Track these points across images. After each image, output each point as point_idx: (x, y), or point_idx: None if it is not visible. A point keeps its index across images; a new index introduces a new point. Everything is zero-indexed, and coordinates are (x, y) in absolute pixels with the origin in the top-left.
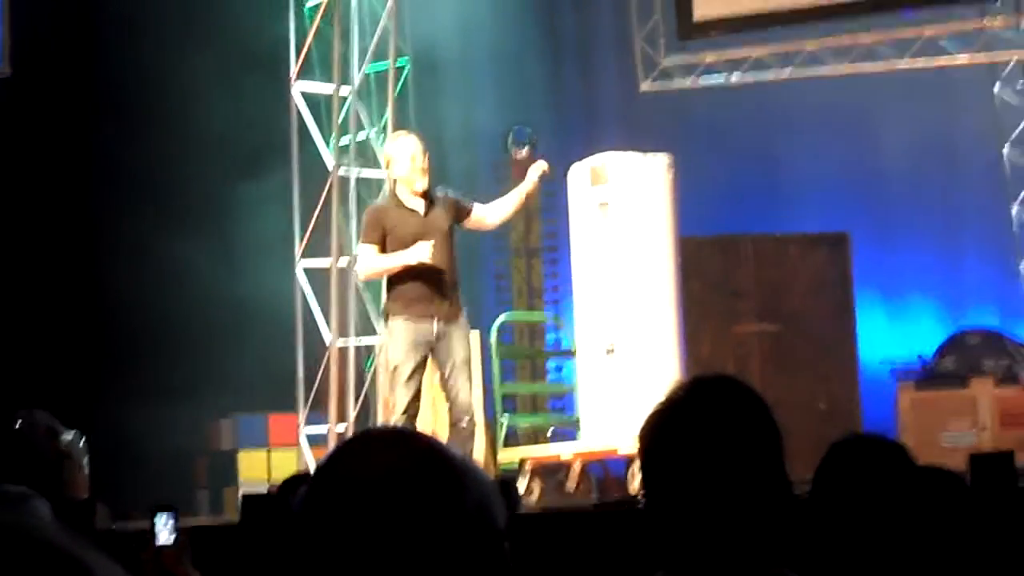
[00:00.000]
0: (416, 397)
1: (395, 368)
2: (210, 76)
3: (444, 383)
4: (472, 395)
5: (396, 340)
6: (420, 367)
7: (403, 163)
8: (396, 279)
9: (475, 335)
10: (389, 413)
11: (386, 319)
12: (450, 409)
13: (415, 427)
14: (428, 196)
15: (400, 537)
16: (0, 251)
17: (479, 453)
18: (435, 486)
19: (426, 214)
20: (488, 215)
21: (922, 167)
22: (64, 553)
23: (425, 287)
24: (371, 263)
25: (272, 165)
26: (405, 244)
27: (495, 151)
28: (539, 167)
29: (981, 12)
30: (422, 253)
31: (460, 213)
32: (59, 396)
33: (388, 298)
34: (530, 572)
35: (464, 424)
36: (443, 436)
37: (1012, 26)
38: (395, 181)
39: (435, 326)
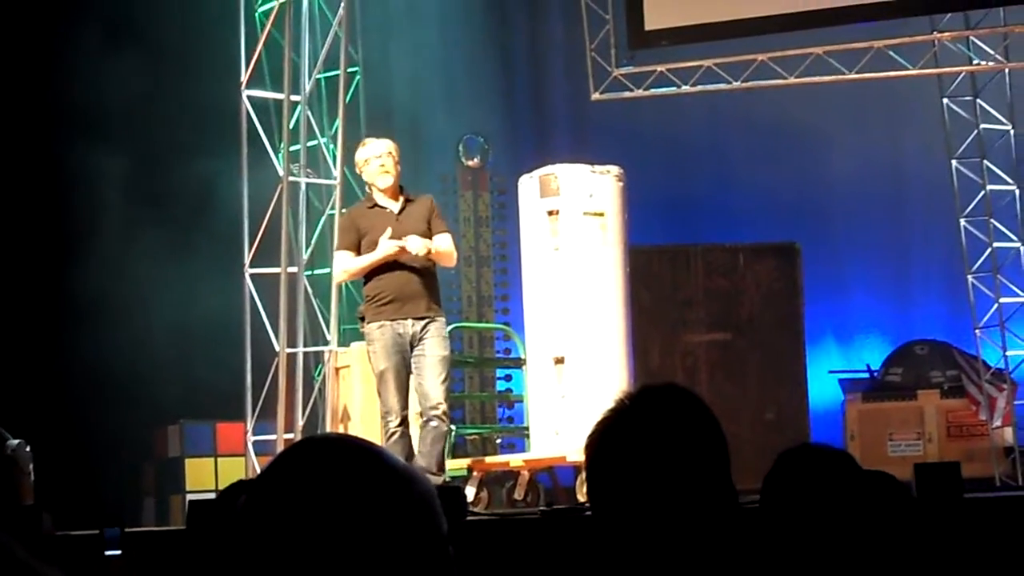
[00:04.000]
0: (404, 400)
1: (380, 373)
2: (159, 80)
3: (417, 380)
4: (444, 393)
5: (374, 345)
6: (403, 369)
7: (367, 165)
8: (370, 283)
9: None
10: (337, 421)
11: (361, 323)
12: (421, 406)
13: (407, 430)
14: (404, 197)
15: (341, 542)
16: None
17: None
18: (375, 491)
19: (400, 213)
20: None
21: (871, 179)
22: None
23: (399, 289)
24: (346, 266)
25: (221, 171)
26: (375, 245)
27: (446, 161)
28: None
29: (931, 25)
30: (388, 246)
31: (430, 227)
32: (4, 402)
33: (363, 302)
34: None
35: (434, 423)
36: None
37: (961, 40)
38: (369, 185)
39: (411, 326)
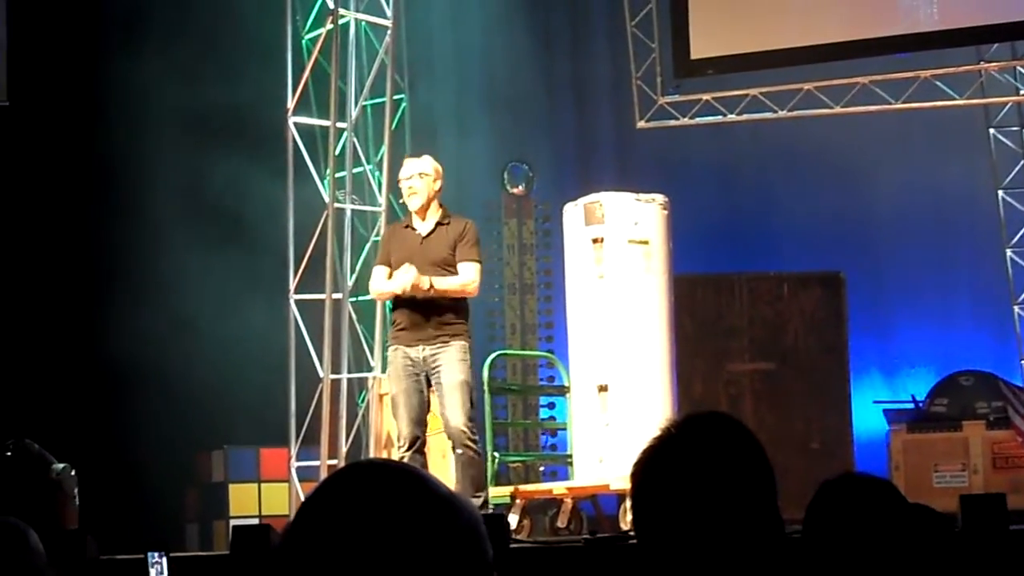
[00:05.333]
0: (415, 425)
1: (392, 397)
2: (207, 105)
3: (440, 409)
4: (464, 419)
5: (389, 369)
6: (415, 395)
7: (400, 185)
8: (392, 307)
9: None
10: (381, 447)
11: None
12: (447, 435)
13: (421, 458)
14: (438, 219)
15: (387, 568)
16: None
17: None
18: (421, 517)
19: (427, 237)
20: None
21: (917, 209)
22: None
23: (414, 314)
24: (376, 286)
25: (268, 197)
26: (399, 265)
27: (491, 188)
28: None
29: (978, 55)
30: (399, 282)
31: (455, 253)
32: (50, 427)
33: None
34: None
35: (460, 451)
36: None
37: (1008, 69)
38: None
39: (424, 351)
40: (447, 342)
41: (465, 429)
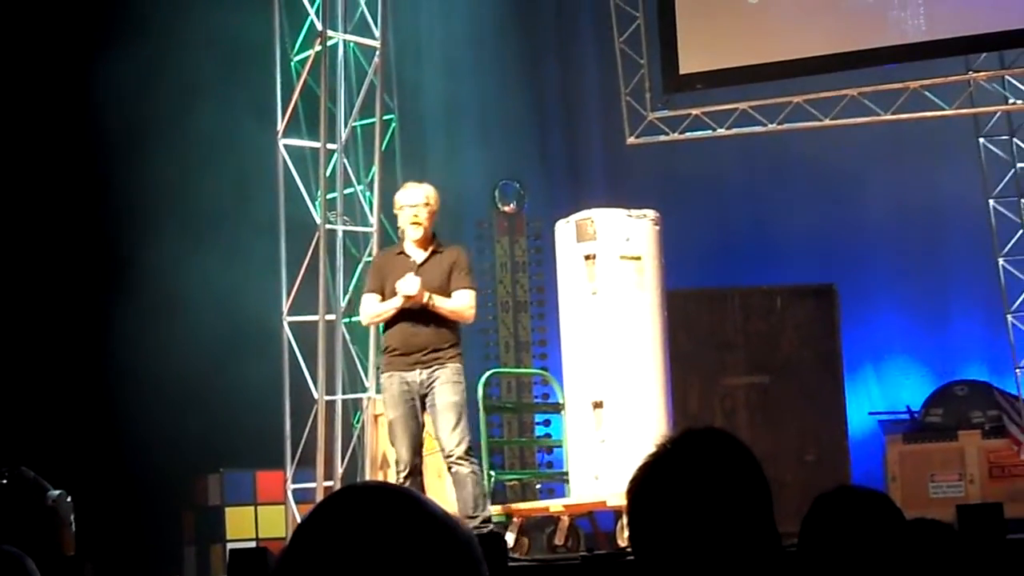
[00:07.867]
0: (414, 451)
1: (389, 423)
2: (197, 129)
3: (433, 432)
4: (458, 439)
5: (385, 395)
6: (411, 419)
7: (400, 211)
8: (384, 334)
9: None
10: (377, 468)
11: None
12: (443, 457)
13: (419, 482)
14: (433, 247)
15: None
16: None
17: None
18: (416, 539)
19: (423, 264)
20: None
21: (908, 220)
22: None
23: (405, 340)
24: (370, 310)
25: (259, 220)
26: (394, 292)
27: (482, 206)
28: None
29: (966, 65)
30: (407, 286)
31: (450, 281)
32: (46, 453)
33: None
34: None
35: (454, 470)
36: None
37: (997, 79)
38: (401, 230)
39: (419, 375)
40: (443, 364)
41: (456, 448)
